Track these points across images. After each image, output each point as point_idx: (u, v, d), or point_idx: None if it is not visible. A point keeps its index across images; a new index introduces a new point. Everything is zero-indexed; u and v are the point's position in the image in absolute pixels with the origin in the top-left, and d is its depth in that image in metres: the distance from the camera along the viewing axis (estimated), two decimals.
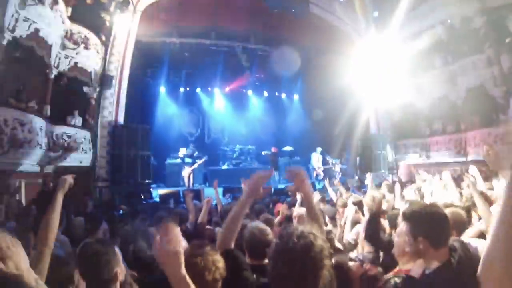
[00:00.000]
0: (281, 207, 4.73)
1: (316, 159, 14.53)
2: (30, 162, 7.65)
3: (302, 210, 3.33)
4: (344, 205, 4.81)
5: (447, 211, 2.47)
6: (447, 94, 11.98)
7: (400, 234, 2.35)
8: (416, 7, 11.78)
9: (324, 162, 14.35)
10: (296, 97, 18.86)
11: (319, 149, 14.71)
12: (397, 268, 2.37)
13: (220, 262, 2.23)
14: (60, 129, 8.93)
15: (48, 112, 8.56)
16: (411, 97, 12.70)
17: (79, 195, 6.46)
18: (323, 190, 8.20)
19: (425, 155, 12.52)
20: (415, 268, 2.20)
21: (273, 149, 14.97)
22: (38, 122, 7.90)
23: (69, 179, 2.58)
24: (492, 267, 1.07)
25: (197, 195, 8.16)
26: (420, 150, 12.84)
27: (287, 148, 16.07)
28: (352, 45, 12.98)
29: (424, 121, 13.12)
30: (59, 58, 8.82)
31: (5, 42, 6.91)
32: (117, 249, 2.32)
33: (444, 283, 1.98)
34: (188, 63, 14.99)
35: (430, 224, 2.03)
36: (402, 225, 2.27)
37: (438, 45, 11.97)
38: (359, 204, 4.41)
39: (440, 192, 4.60)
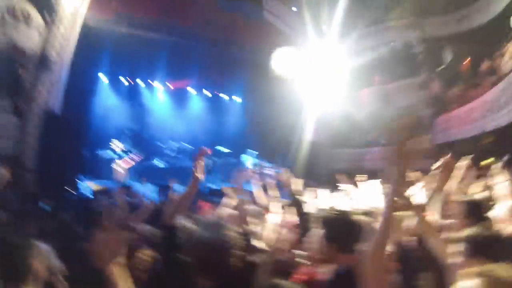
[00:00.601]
0: (206, 209, 4.91)
1: (249, 161, 14.90)
2: None
3: (227, 211, 3.58)
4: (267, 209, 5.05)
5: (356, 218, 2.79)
6: (382, 109, 12.95)
7: (312, 239, 2.62)
8: (365, 27, 12.66)
9: (258, 166, 14.65)
10: (237, 99, 19.15)
11: (253, 152, 15.13)
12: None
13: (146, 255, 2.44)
14: None
15: None
16: (349, 109, 13.49)
17: None
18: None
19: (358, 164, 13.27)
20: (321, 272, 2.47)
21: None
22: None
23: (4, 172, 2.54)
24: (365, 261, 1.33)
25: (130, 191, 8.10)
26: (354, 159, 13.57)
27: (224, 149, 16.25)
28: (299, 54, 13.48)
29: (360, 132, 13.94)
30: None
31: None
32: (45, 246, 2.37)
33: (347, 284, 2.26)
34: (134, 55, 14.62)
35: (339, 230, 2.30)
36: (314, 231, 2.54)
37: (379, 64, 12.93)
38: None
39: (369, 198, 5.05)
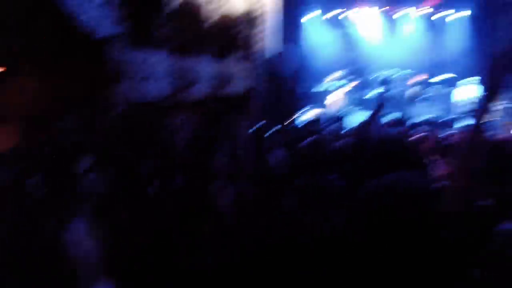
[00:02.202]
0: None
1: (469, 91, 13.67)
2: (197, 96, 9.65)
3: None
4: None
5: None
6: None
7: None
8: None
9: (484, 96, 13.39)
10: (466, 13, 16.93)
11: (476, 79, 13.73)
12: None
13: None
14: (223, 66, 10.63)
15: (212, 51, 10.32)
16: None
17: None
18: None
19: None
20: None
21: (420, 76, 14.94)
22: (204, 62, 9.91)
23: None
24: None
25: (339, 120, 9.49)
26: None
27: (442, 76, 15.33)
28: None
29: None
30: None
31: None
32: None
33: None
34: None
35: None
36: None
37: None
38: None
39: None
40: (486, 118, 4.35)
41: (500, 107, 12.35)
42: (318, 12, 17.02)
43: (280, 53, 12.62)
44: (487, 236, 1.64)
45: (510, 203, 2.13)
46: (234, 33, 11.84)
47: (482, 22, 15.89)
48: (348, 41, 17.70)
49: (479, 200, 2.28)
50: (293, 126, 8.43)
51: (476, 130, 2.32)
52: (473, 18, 16.73)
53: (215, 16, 10.70)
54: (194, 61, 9.69)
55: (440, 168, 3.60)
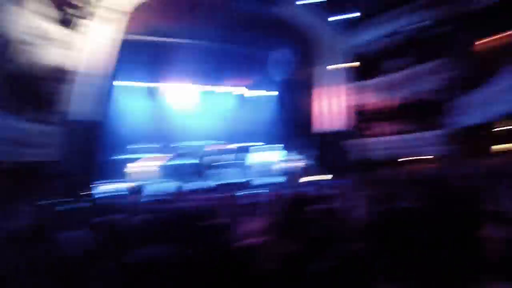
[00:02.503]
0: None
1: (269, 155, 15.83)
2: None
3: None
4: None
5: None
6: None
7: None
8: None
9: (286, 159, 15.64)
10: (272, 92, 20.57)
11: (279, 146, 16.15)
12: None
13: None
14: (23, 128, 9.66)
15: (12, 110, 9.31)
16: None
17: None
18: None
19: None
20: None
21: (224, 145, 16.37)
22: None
23: None
24: None
25: (142, 191, 9.13)
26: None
27: (245, 144, 17.10)
28: None
29: None
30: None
31: None
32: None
33: None
34: (160, 58, 16.44)
35: None
36: None
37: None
38: None
39: None
40: (284, 177, 4.87)
41: (295, 165, 14.52)
42: (132, 82, 17.39)
43: (87, 120, 11.85)
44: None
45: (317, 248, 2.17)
46: (38, 93, 10.68)
47: (282, 99, 19.75)
48: (160, 112, 18.27)
49: (285, 250, 2.25)
50: (92, 199, 7.65)
51: (276, 188, 2.43)
52: (276, 96, 20.47)
53: (20, 69, 9.45)
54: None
55: (244, 227, 3.60)
